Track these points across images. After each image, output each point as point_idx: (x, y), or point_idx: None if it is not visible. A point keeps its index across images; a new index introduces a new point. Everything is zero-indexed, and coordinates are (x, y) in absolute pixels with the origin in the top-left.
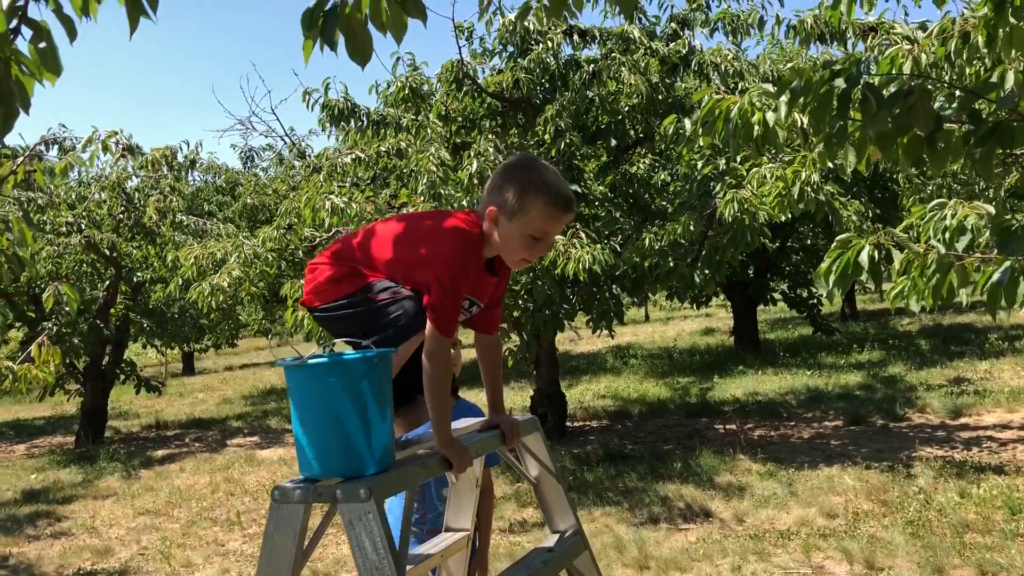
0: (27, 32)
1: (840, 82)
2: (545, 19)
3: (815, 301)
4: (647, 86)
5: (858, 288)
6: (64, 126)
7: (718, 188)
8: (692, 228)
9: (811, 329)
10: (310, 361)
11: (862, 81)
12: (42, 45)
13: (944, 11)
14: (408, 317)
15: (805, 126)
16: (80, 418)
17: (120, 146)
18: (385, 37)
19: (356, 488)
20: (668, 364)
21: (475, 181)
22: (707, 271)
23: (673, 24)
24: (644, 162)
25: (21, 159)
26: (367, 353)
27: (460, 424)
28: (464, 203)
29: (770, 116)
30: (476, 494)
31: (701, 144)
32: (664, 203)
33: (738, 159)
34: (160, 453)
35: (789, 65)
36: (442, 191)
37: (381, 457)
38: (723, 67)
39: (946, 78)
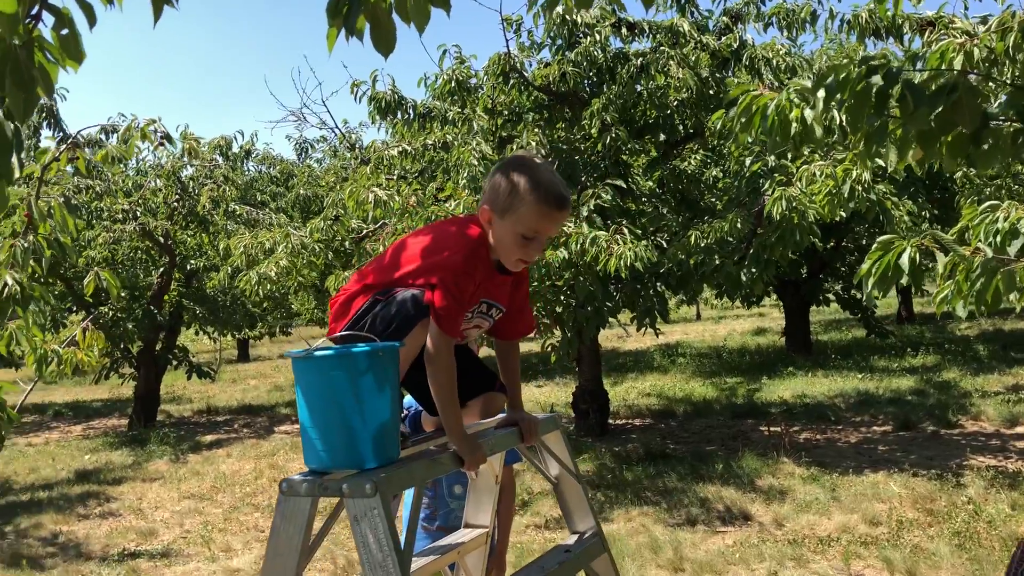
0: (49, 19)
1: (877, 79)
2: (575, 9)
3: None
4: (696, 80)
5: (915, 291)
6: (124, 115)
7: (767, 185)
8: (740, 226)
9: (864, 331)
10: (316, 353)
11: (901, 78)
12: (64, 32)
13: (1006, 4)
14: (413, 303)
15: (844, 124)
16: (133, 402)
17: (158, 134)
18: (409, 27)
19: (362, 483)
20: (716, 364)
21: None
22: (754, 270)
23: (725, 18)
24: (695, 158)
25: (63, 147)
26: (373, 346)
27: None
28: None
29: (808, 113)
30: (496, 491)
31: (750, 140)
32: (713, 200)
33: (789, 156)
34: (209, 438)
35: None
36: (484, 185)
37: (384, 451)
38: (774, 62)
39: (1008, 74)
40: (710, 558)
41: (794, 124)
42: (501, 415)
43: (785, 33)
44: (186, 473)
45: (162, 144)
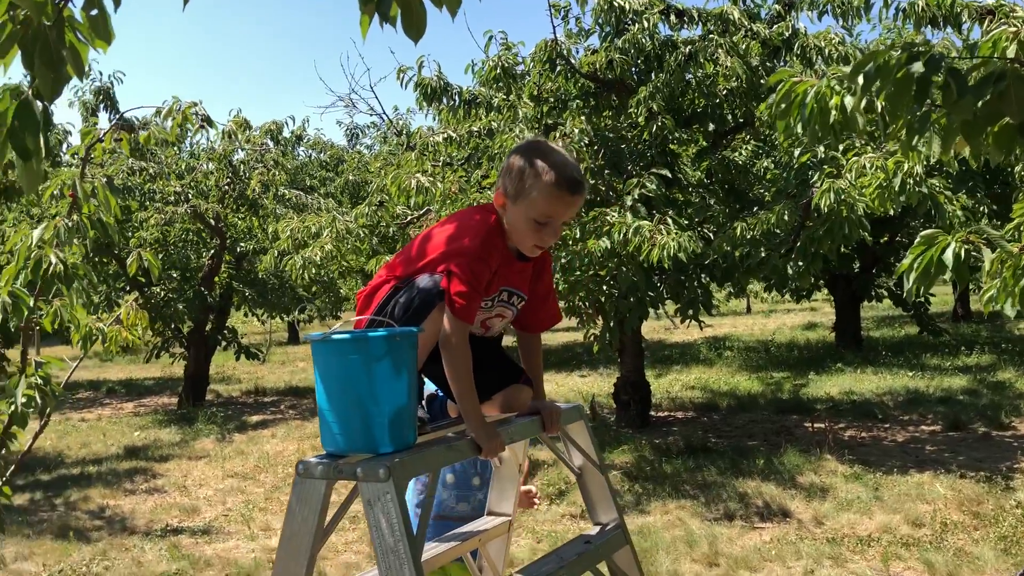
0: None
1: (918, 66)
2: None
3: (922, 299)
4: (745, 69)
5: (961, 287)
6: (177, 98)
7: (816, 177)
8: (787, 218)
9: (917, 328)
10: (333, 337)
11: (944, 65)
12: (93, 12)
13: None
14: (430, 288)
15: (884, 113)
16: (183, 381)
17: (200, 117)
18: (441, 11)
19: (376, 467)
20: (764, 358)
21: None
22: (801, 263)
23: (777, 6)
24: (747, 148)
25: (107, 129)
26: (390, 331)
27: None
28: None
29: (848, 101)
30: (520, 480)
31: (799, 132)
32: (762, 191)
33: (840, 148)
34: (255, 419)
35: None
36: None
37: (400, 436)
38: (827, 51)
39: None
40: (746, 554)
41: (833, 112)
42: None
43: (840, 22)
44: (231, 452)
45: (203, 127)
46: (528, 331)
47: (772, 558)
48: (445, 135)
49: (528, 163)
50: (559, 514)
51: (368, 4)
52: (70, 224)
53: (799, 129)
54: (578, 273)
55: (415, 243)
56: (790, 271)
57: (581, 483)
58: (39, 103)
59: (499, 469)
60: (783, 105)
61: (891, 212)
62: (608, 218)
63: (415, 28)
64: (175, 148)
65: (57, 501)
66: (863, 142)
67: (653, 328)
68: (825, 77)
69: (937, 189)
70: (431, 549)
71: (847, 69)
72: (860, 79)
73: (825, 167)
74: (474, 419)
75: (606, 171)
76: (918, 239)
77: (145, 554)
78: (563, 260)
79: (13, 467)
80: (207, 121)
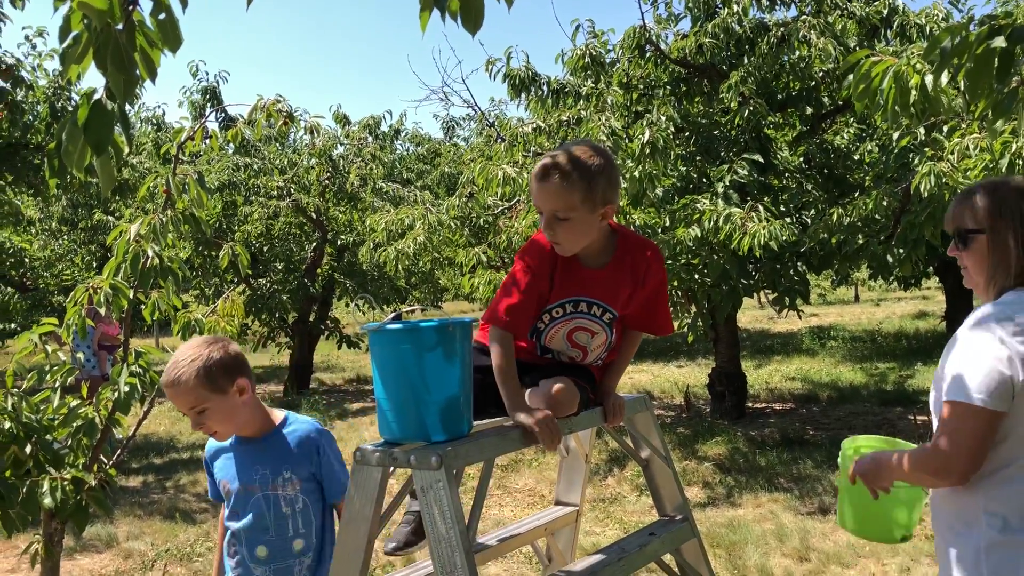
0: (147, 5)
1: (1000, 40)
2: None
3: None
4: (839, 50)
5: None
6: (280, 97)
7: (916, 160)
8: (885, 203)
9: None
10: (387, 327)
11: None
12: (162, 16)
13: None
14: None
15: (964, 91)
16: (288, 369)
17: (283, 114)
18: (499, 3)
19: (428, 456)
20: (869, 348)
21: (647, 151)
22: (901, 250)
23: None
24: (848, 132)
25: (198, 125)
26: (442, 321)
27: None
28: (636, 174)
29: (929, 80)
30: (587, 470)
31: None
32: (863, 176)
33: (944, 129)
34: (356, 406)
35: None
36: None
37: (452, 425)
38: (929, 28)
39: None
40: (838, 550)
41: (913, 92)
42: None
43: None
44: None
45: (286, 123)
46: (649, 331)
47: (866, 555)
48: (534, 125)
49: (604, 169)
50: (648, 505)
51: (427, 1)
52: (164, 219)
53: (873, 108)
54: (669, 262)
55: None
56: (890, 258)
57: (648, 474)
58: (110, 103)
59: (566, 459)
60: (862, 86)
61: None
62: (699, 205)
63: (472, 21)
64: (277, 144)
65: (168, 484)
66: (963, 120)
67: (756, 318)
68: (905, 55)
69: None
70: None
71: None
72: (938, 56)
73: (926, 150)
74: (516, 404)
75: (697, 158)
76: None
77: None
78: None
79: (119, 451)
80: (289, 117)
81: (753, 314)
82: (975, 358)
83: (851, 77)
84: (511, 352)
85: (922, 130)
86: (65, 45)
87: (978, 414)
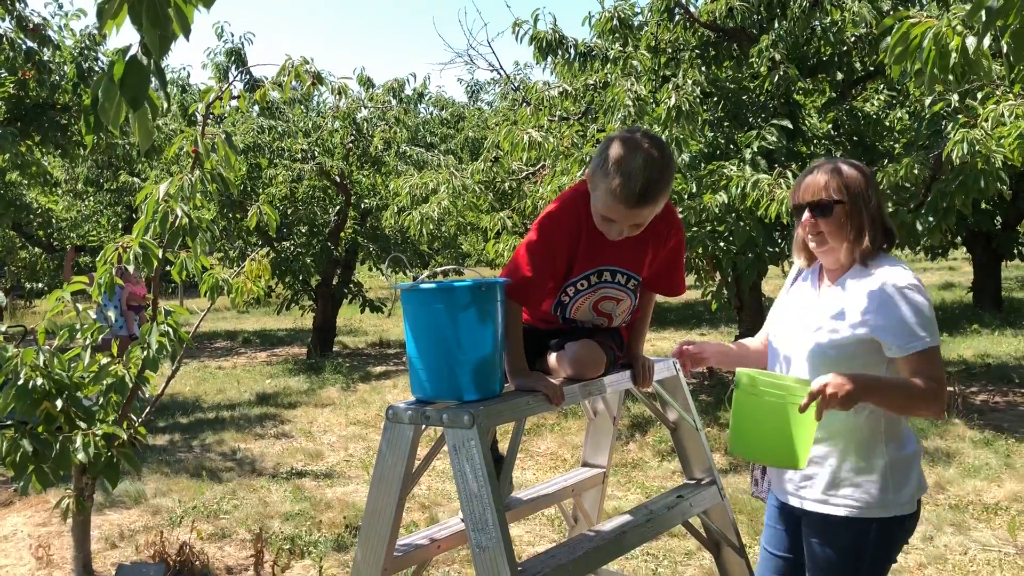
0: None
1: None
2: None
3: None
4: (875, 15)
5: None
6: (307, 59)
7: (949, 128)
8: (916, 171)
9: None
10: (421, 286)
11: None
12: None
13: None
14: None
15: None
16: (312, 332)
17: (311, 74)
18: None
19: (461, 414)
20: None
21: (673, 115)
22: (932, 219)
23: None
24: (879, 98)
25: (226, 86)
26: (476, 281)
27: None
28: (663, 138)
29: (970, 42)
30: (614, 432)
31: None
32: (893, 143)
33: (979, 96)
34: (379, 369)
35: None
36: (640, 126)
37: (484, 385)
38: None
39: None
40: None
41: (954, 55)
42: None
43: None
44: (354, 401)
45: (313, 84)
46: (667, 293)
47: None
48: (560, 89)
49: (606, 159)
50: (670, 470)
51: None
52: (193, 179)
53: (911, 72)
54: (695, 228)
55: None
56: (920, 227)
57: (676, 438)
58: (146, 59)
59: (593, 421)
60: (899, 49)
61: None
62: (726, 171)
63: None
64: (301, 107)
65: (194, 443)
66: (999, 88)
67: (780, 286)
68: (945, 16)
69: None
70: (525, 495)
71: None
72: (982, 16)
73: (960, 116)
74: (514, 366)
75: (725, 123)
76: None
77: (271, 495)
78: (680, 214)
79: (148, 409)
80: (317, 78)
81: (777, 283)
82: (928, 309)
83: (888, 39)
84: (517, 321)
85: (955, 97)
86: (100, 0)
87: (936, 353)
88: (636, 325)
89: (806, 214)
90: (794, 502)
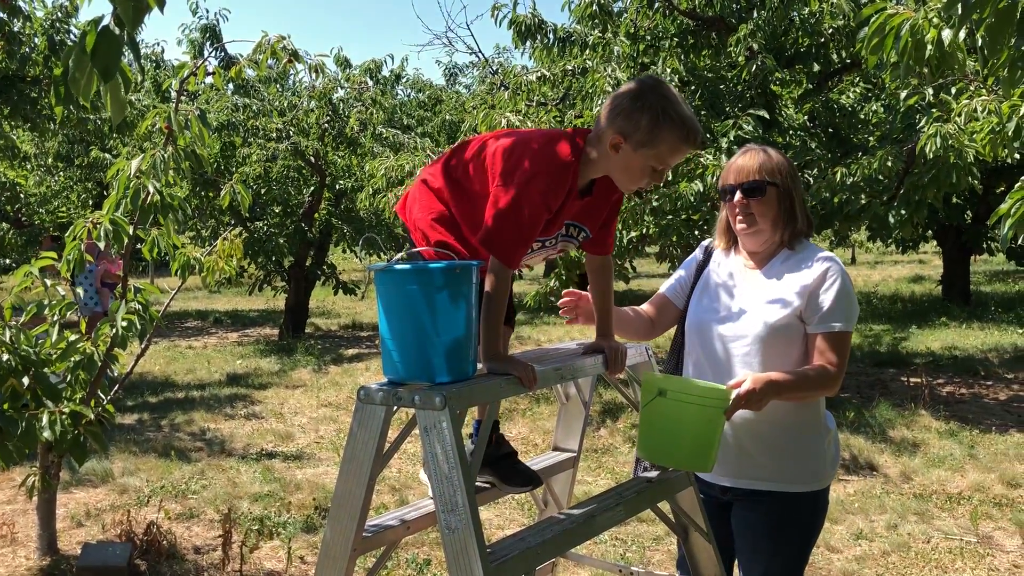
0: None
1: None
2: None
3: None
4: (852, 7)
5: None
6: (284, 36)
7: (923, 121)
8: (890, 164)
9: None
10: (395, 267)
11: None
12: None
13: None
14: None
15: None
16: (284, 313)
17: (288, 51)
18: None
19: (433, 396)
20: (865, 310)
21: None
22: (904, 211)
23: None
24: (855, 91)
25: (201, 61)
26: (449, 264)
27: (560, 346)
28: None
29: (946, 34)
30: (586, 417)
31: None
32: (867, 136)
33: (952, 90)
34: (351, 352)
35: None
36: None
37: (457, 367)
38: None
39: None
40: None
41: (929, 47)
42: (587, 342)
43: None
44: (326, 383)
45: (290, 62)
46: (601, 252)
47: (855, 511)
48: (539, 74)
49: (660, 112)
50: None
51: None
52: (165, 156)
53: (887, 62)
54: (670, 217)
55: (467, 160)
56: (891, 219)
57: None
58: (118, 29)
59: (565, 406)
60: (876, 39)
61: (1008, 160)
62: (702, 160)
63: None
64: (277, 86)
65: (163, 422)
66: (972, 82)
67: None
68: (922, 8)
69: None
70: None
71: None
72: (959, 8)
73: (934, 111)
74: (490, 349)
75: (702, 112)
76: (1020, 183)
77: (240, 475)
78: (655, 203)
79: (116, 387)
80: (294, 56)
81: None
82: (850, 295)
83: (865, 29)
84: (507, 289)
85: (930, 91)
86: None
87: (850, 339)
88: (601, 306)
89: (737, 195)
90: (724, 483)
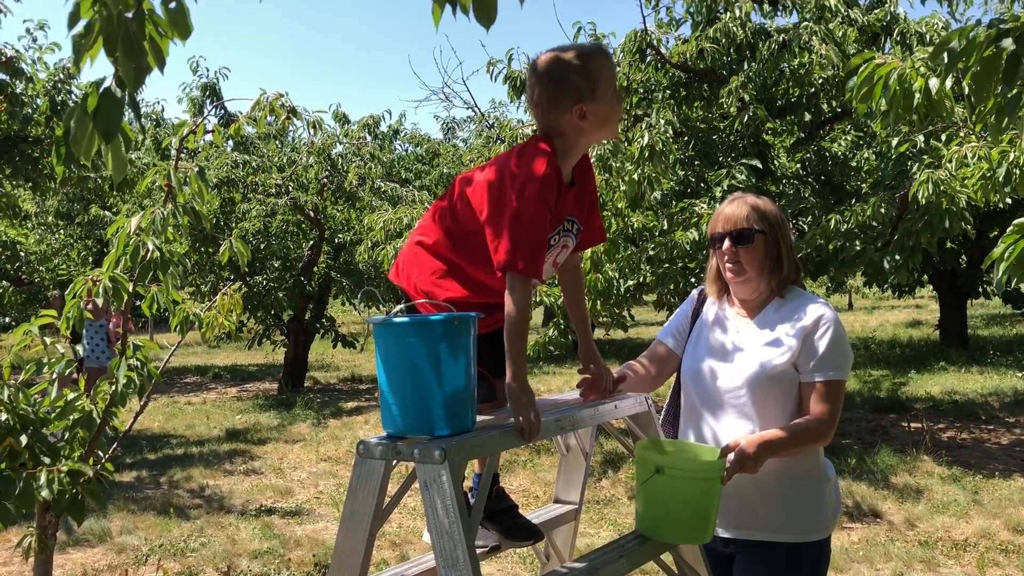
0: None
1: (1008, 42)
2: None
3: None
4: (841, 57)
5: None
6: (282, 93)
7: (914, 168)
8: (883, 210)
9: None
10: (394, 320)
11: None
12: (172, 5)
13: None
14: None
15: (970, 95)
16: (283, 367)
17: (286, 108)
18: None
19: (432, 449)
20: (863, 355)
21: (646, 154)
22: (898, 257)
23: None
24: (846, 139)
25: (200, 119)
26: (448, 316)
27: (559, 396)
28: (635, 176)
29: (933, 83)
30: (586, 467)
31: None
32: (859, 183)
33: (943, 137)
34: (350, 405)
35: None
36: (613, 163)
37: (456, 419)
38: (929, 37)
39: None
40: (832, 555)
41: (917, 95)
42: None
43: (945, 6)
44: (325, 437)
45: (288, 119)
46: (599, 239)
47: (859, 559)
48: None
49: (571, 63)
50: None
51: None
52: (165, 213)
53: (878, 111)
54: (666, 265)
55: (454, 203)
56: (887, 265)
57: None
58: (120, 91)
59: (565, 457)
60: (865, 88)
61: (1000, 205)
62: (697, 209)
63: (486, 15)
64: (276, 142)
65: (161, 479)
66: (961, 129)
67: None
68: (910, 58)
69: None
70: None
71: (931, 49)
72: (944, 58)
73: (925, 157)
74: (517, 374)
75: (696, 162)
76: (1011, 227)
77: (240, 532)
78: (651, 251)
79: (115, 445)
80: (293, 112)
81: None
82: (844, 343)
83: (854, 79)
84: (529, 306)
85: (921, 137)
86: (75, 32)
87: (844, 387)
88: (578, 317)
89: (726, 243)
90: (726, 535)
